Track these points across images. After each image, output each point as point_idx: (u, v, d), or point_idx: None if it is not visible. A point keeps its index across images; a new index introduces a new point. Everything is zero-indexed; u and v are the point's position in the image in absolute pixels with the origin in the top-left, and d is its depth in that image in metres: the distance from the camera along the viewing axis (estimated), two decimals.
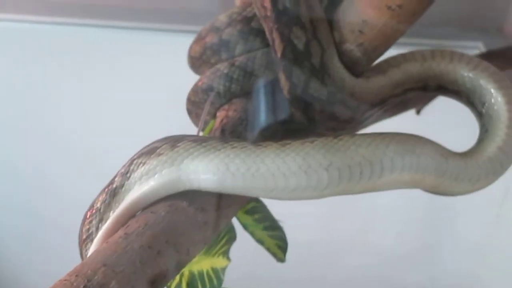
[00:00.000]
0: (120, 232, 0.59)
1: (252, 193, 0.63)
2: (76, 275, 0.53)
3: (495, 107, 0.69)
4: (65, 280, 0.53)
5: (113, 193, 0.65)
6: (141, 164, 0.64)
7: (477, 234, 1.64)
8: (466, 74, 0.70)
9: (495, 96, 0.69)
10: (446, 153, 0.65)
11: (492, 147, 0.67)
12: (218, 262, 0.78)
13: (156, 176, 0.63)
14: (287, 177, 0.60)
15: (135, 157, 0.65)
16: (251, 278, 1.67)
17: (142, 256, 0.56)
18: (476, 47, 1.65)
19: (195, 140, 0.64)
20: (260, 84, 0.79)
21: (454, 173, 0.65)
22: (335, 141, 0.62)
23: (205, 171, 0.61)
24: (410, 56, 0.73)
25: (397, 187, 0.64)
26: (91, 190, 0.70)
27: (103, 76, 1.70)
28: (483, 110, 0.70)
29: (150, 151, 0.64)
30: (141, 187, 0.63)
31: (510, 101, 0.68)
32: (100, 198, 0.67)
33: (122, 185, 0.65)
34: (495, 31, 1.72)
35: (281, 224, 0.83)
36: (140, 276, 0.55)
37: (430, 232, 1.78)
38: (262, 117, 0.77)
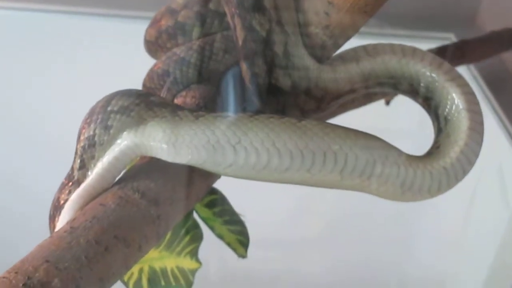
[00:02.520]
0: (66, 226, 0.56)
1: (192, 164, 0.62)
2: (16, 272, 0.51)
3: (456, 128, 0.66)
4: (3, 277, 0.50)
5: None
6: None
7: (447, 230, 1.64)
8: (441, 84, 0.68)
9: (460, 118, 0.66)
10: (390, 153, 0.63)
11: (438, 165, 0.64)
12: (186, 262, 0.77)
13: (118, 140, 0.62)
14: (199, 150, 0.60)
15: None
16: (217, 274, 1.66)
17: (88, 251, 0.53)
18: (447, 38, 1.66)
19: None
20: (226, 73, 0.77)
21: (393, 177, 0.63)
22: (251, 119, 0.61)
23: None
24: (389, 48, 0.70)
25: (303, 183, 0.63)
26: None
27: (62, 63, 1.67)
28: (443, 127, 0.68)
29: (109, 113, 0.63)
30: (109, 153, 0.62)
31: (471, 126, 0.65)
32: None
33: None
34: (467, 22, 1.73)
35: (243, 218, 0.81)
36: (86, 273, 0.52)
37: (400, 228, 1.78)
38: (228, 107, 0.76)
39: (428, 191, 0.64)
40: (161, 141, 0.60)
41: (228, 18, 0.69)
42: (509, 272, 1.36)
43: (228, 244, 0.79)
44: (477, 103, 0.67)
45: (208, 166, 0.61)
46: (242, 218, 0.80)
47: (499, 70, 1.50)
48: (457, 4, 1.74)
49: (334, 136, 0.61)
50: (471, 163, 0.65)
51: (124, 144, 0.61)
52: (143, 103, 0.62)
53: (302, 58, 0.68)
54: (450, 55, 1.24)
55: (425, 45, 1.24)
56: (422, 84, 0.69)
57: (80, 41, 1.65)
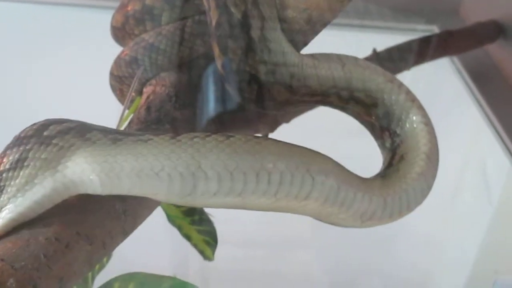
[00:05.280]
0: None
1: None
2: None
3: (408, 157, 0.66)
4: None
5: None
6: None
7: (429, 229, 1.64)
8: (411, 123, 0.67)
9: (418, 150, 0.66)
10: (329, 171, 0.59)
11: (392, 190, 0.65)
12: None
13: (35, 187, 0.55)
14: (121, 180, 0.54)
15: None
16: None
17: (47, 249, 0.51)
18: (430, 30, 1.66)
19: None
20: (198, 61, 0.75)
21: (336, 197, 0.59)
22: (172, 141, 0.55)
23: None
24: (381, 70, 0.69)
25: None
26: None
27: (54, 56, 1.67)
28: (395, 163, 0.67)
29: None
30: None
31: (427, 159, 0.65)
32: None
33: None
34: (450, 14, 1.73)
35: (212, 218, 0.78)
36: (44, 272, 0.50)
37: (381, 227, 1.78)
38: (210, 105, 0.74)
39: (371, 216, 0.64)
40: (83, 174, 0.53)
41: None
42: (491, 270, 1.36)
43: (195, 245, 0.77)
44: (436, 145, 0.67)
45: (138, 194, 0.55)
46: (212, 218, 0.78)
47: (484, 62, 1.50)
48: None
49: (267, 153, 0.56)
50: (424, 195, 0.66)
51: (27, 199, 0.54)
52: (39, 143, 0.55)
53: (280, 43, 0.65)
54: (434, 46, 1.23)
55: (407, 37, 1.24)
56: (395, 115, 0.69)
57: (75, 33, 1.66)
